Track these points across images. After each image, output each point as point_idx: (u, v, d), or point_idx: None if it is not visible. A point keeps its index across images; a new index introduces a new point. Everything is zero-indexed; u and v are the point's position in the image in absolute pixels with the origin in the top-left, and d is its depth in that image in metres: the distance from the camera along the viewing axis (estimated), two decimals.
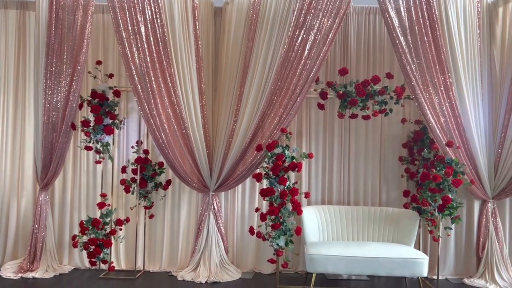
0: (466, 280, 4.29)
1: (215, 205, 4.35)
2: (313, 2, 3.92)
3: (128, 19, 3.89)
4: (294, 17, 3.96)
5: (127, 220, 4.21)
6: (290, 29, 3.98)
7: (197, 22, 4.21)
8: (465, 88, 4.05)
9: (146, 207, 4.39)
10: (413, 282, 4.22)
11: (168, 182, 4.44)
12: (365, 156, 4.64)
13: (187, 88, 4.13)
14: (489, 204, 4.32)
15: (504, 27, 4.38)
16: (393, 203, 4.57)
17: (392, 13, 3.89)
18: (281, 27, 4.03)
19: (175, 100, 4.08)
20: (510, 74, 4.21)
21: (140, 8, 3.91)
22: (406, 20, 3.92)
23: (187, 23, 4.13)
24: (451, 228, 3.99)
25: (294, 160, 3.82)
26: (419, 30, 3.92)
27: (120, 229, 4.26)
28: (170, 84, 4.05)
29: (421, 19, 3.92)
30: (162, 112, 4.00)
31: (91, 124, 4.05)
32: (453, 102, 4.04)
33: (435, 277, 4.25)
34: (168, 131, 4.05)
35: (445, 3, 3.95)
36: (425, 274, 3.71)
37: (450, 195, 3.80)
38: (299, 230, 3.79)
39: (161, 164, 4.39)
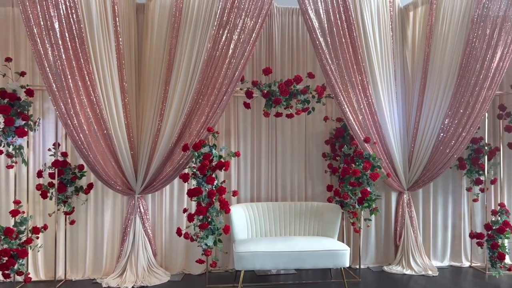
0: (385, 268, 4.57)
1: (141, 207, 4.23)
2: (236, 2, 3.94)
3: (40, 13, 3.63)
4: (217, 16, 3.96)
5: (45, 227, 3.95)
6: (214, 28, 3.97)
7: (117, 18, 4.05)
8: (380, 87, 4.31)
9: (66, 213, 4.14)
10: (338, 273, 4.41)
11: (90, 185, 4.23)
12: (291, 153, 4.77)
13: (108, 87, 3.95)
14: (405, 195, 4.64)
15: (414, 31, 4.72)
16: (318, 198, 4.75)
17: (312, 15, 4.03)
18: (205, 25, 4.01)
19: (94, 99, 3.89)
20: (420, 74, 4.55)
21: (53, 2, 3.67)
22: (325, 22, 4.08)
23: (106, 19, 3.96)
24: (370, 220, 4.23)
25: (222, 159, 3.82)
26: (337, 31, 4.10)
27: (37, 238, 3.97)
28: (88, 83, 3.85)
29: (339, 21, 4.10)
30: (80, 112, 3.80)
31: (1, 126, 3.73)
32: (370, 101, 4.28)
33: (358, 266, 4.48)
34: (87, 132, 3.85)
35: (360, 7, 4.17)
36: (347, 265, 3.89)
37: (368, 188, 4.02)
38: (227, 229, 3.79)
39: (81, 167, 4.17)
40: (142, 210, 4.23)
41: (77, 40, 3.81)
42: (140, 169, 4.18)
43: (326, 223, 4.32)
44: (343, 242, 4.58)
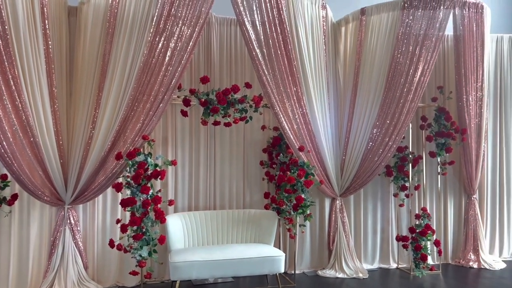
0: (319, 272, 4.74)
1: (71, 219, 4.04)
2: (173, 10, 3.92)
3: None
4: (154, 23, 3.91)
5: None
6: (150, 35, 3.92)
7: (46, 21, 3.87)
8: (314, 98, 4.49)
9: None
10: (274, 279, 4.49)
11: (14, 196, 3.95)
12: (229, 161, 4.81)
13: (35, 92, 3.75)
14: (338, 201, 4.85)
15: (346, 45, 4.98)
16: (256, 205, 4.82)
17: (249, 26, 4.12)
18: (141, 32, 3.94)
19: (20, 105, 3.66)
20: (351, 86, 4.81)
21: None
22: (262, 34, 4.19)
23: (34, 21, 3.76)
24: (304, 225, 4.37)
25: (158, 168, 3.76)
26: (273, 43, 4.22)
27: None
28: (13, 88, 3.62)
29: (274, 34, 4.23)
30: (3, 119, 3.56)
31: None
32: (304, 111, 4.44)
33: (293, 271, 4.60)
34: (12, 139, 3.62)
35: (295, 20, 4.33)
36: (282, 270, 3.99)
37: (303, 195, 4.16)
38: (162, 239, 3.74)
39: (4, 177, 3.88)
40: (72, 221, 4.05)
41: (1, 42, 3.58)
42: (71, 178, 4.00)
43: (263, 230, 4.39)
44: (280, 248, 4.68)
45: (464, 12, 4.72)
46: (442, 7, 4.54)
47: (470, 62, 4.82)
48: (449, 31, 4.88)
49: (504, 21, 6.29)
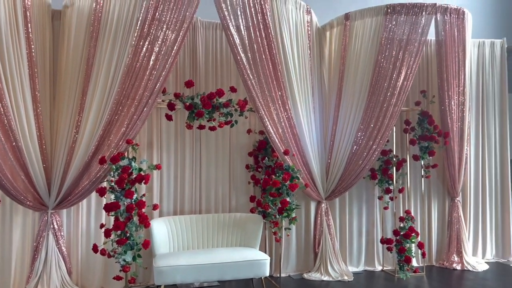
0: (305, 275, 4.75)
1: (55, 224, 4.01)
2: (157, 14, 3.92)
3: None
4: (138, 27, 3.91)
5: None
6: (134, 39, 3.91)
7: (29, 24, 3.84)
8: (299, 102, 4.52)
9: None
10: (260, 282, 4.50)
11: None
12: (215, 164, 4.81)
13: (17, 96, 3.72)
14: (323, 205, 4.88)
15: (331, 49, 5.04)
16: (242, 208, 4.83)
17: (233, 31, 4.14)
18: (125, 36, 3.93)
19: (1, 109, 3.62)
20: (336, 90, 4.86)
21: None
22: (246, 38, 4.20)
23: (16, 24, 3.73)
24: (289, 229, 4.38)
25: (142, 172, 3.75)
26: (257, 48, 4.24)
27: None
28: None
29: (259, 38, 4.25)
30: None
31: None
32: (289, 115, 4.47)
33: (279, 275, 4.61)
34: None
35: (279, 25, 4.36)
36: (267, 274, 4.00)
37: (288, 199, 4.18)
38: (147, 244, 3.72)
39: None
40: (56, 226, 4.01)
41: None
42: (54, 183, 3.97)
43: (249, 233, 4.40)
44: (265, 251, 4.69)
45: (446, 17, 4.80)
46: (424, 12, 4.62)
47: (452, 67, 4.90)
48: (432, 35, 4.97)
49: (487, 26, 6.42)
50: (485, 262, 5.33)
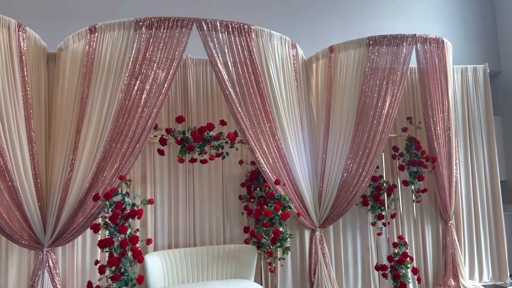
0: None
1: (50, 262, 4.03)
2: (148, 54, 4.09)
3: None
4: (129, 67, 4.06)
5: None
6: (126, 78, 4.06)
7: (25, 68, 4.00)
8: (288, 133, 4.63)
9: None
10: None
11: None
12: (209, 196, 4.88)
13: (13, 137, 3.83)
14: (317, 233, 4.91)
15: (317, 81, 5.20)
16: (236, 240, 4.86)
17: (221, 67, 4.30)
18: (117, 76, 4.08)
19: None
20: (324, 120, 4.99)
21: None
22: (234, 74, 4.36)
23: (12, 68, 3.88)
24: (283, 259, 4.41)
25: (135, 207, 3.82)
26: (245, 82, 4.40)
27: None
28: None
29: (246, 73, 4.41)
30: None
31: None
32: (279, 145, 4.57)
33: None
34: None
35: (266, 60, 4.52)
36: None
37: (280, 228, 4.23)
38: (141, 279, 3.74)
39: None
40: (51, 264, 4.03)
41: None
42: (49, 220, 4.03)
43: (243, 265, 4.42)
44: (261, 282, 4.69)
45: (426, 47, 4.99)
46: (404, 43, 4.81)
47: (435, 93, 5.06)
48: (415, 64, 5.15)
49: (470, 52, 6.65)
50: (482, 286, 5.32)
